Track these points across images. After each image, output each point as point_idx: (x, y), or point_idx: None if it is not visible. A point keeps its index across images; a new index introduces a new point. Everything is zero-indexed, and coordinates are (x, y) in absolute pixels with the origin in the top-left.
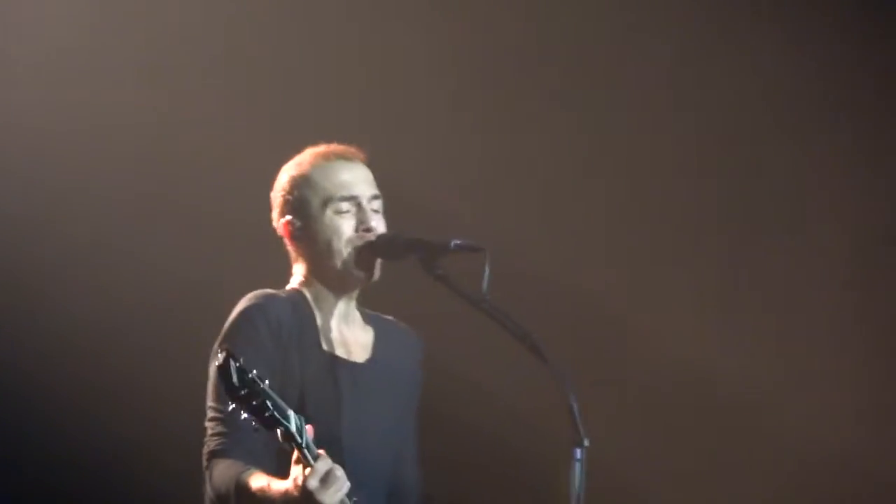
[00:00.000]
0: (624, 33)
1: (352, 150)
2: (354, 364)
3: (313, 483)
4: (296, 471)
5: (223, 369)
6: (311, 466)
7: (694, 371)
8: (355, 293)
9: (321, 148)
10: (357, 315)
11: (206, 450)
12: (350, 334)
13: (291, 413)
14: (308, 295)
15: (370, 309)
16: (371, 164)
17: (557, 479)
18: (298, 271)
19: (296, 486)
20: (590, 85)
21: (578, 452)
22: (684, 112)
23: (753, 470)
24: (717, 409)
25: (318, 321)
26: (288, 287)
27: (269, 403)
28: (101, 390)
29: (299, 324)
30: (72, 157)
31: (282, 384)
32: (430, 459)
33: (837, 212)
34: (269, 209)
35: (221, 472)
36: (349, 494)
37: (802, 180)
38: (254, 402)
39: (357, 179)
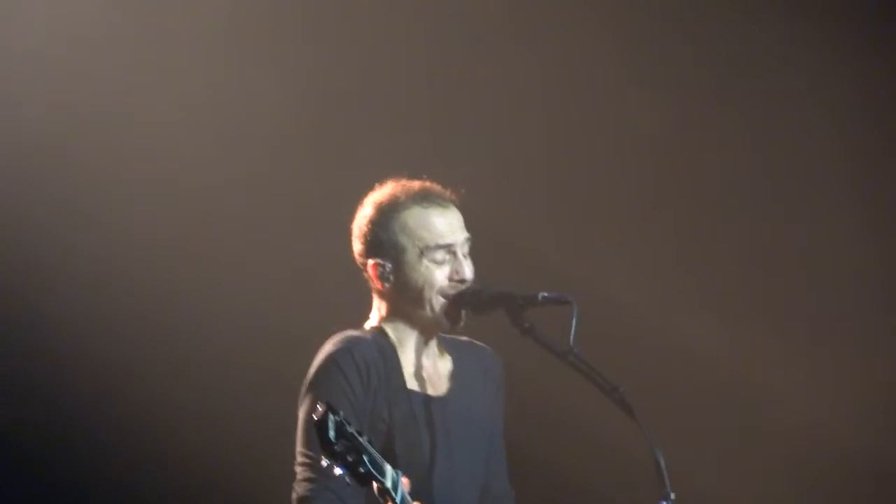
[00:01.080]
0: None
1: (446, 193)
2: (438, 398)
3: None
4: None
5: (321, 423)
6: None
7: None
8: (437, 334)
9: (415, 187)
10: (435, 346)
11: (295, 496)
12: (431, 368)
13: (388, 468)
14: (390, 333)
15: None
16: (460, 205)
17: None
18: (380, 308)
19: None
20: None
21: None
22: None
23: None
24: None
25: (402, 360)
26: (368, 325)
27: (365, 458)
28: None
29: (385, 366)
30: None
31: (370, 427)
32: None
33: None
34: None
35: None
36: None
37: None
38: (349, 458)
39: (453, 227)
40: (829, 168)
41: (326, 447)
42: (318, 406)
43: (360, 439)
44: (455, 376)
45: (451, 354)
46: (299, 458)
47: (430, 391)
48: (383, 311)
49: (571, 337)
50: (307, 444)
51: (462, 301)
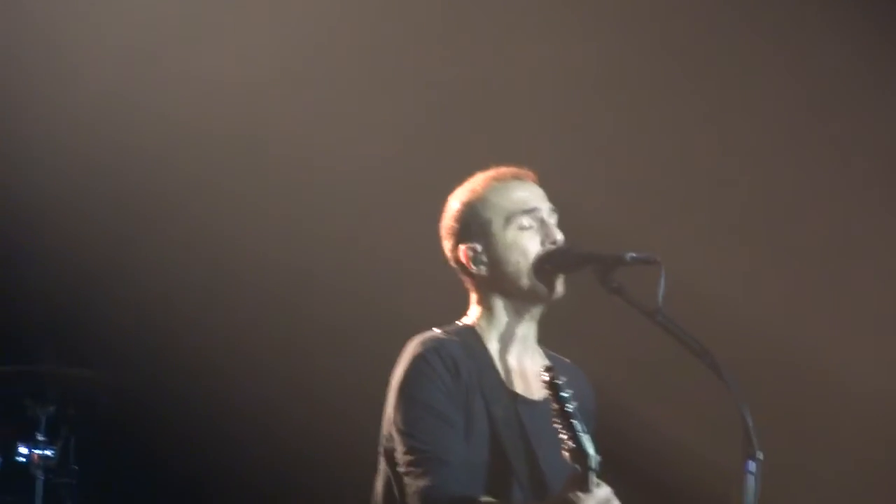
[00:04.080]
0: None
1: (523, 170)
2: (535, 402)
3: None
4: (571, 489)
5: (553, 383)
6: (591, 492)
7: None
8: (537, 318)
9: (491, 171)
10: (537, 347)
11: (416, 489)
12: (529, 367)
13: (588, 437)
14: (482, 330)
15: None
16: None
17: (730, 492)
18: (476, 302)
19: (571, 499)
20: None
21: (752, 465)
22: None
23: None
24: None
25: (495, 357)
26: (460, 322)
27: (577, 425)
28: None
29: (476, 363)
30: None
31: (469, 424)
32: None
33: None
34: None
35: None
36: None
37: None
38: (570, 420)
39: (535, 195)
40: None
41: (563, 411)
42: (544, 373)
43: (574, 405)
44: None
45: (549, 361)
46: (411, 456)
47: (526, 392)
48: (479, 305)
49: (660, 297)
50: (416, 438)
51: (551, 260)
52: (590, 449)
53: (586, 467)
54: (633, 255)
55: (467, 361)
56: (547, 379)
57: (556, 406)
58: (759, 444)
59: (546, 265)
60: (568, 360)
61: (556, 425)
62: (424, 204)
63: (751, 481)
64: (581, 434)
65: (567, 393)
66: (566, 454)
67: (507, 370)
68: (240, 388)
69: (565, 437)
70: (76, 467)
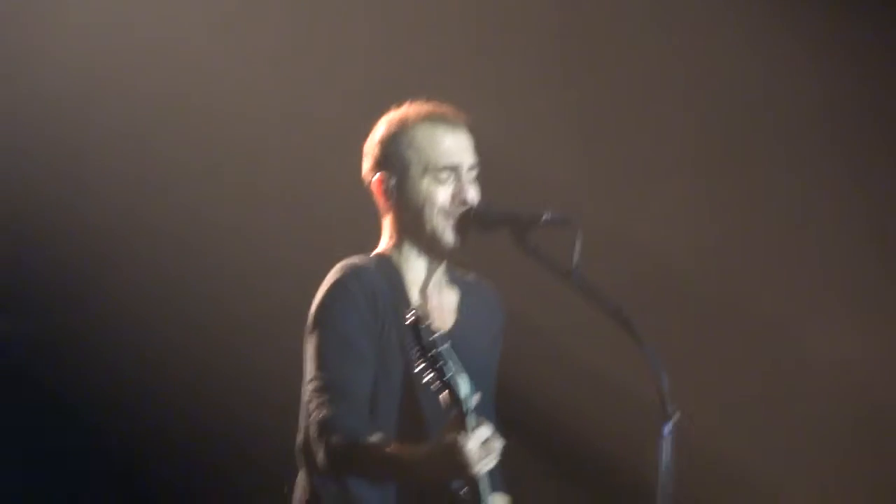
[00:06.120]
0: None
1: (457, 113)
2: (441, 333)
3: (472, 445)
4: (449, 433)
5: (415, 327)
6: (469, 433)
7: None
8: (445, 257)
9: (426, 107)
10: (444, 277)
11: (315, 419)
12: (436, 299)
13: (463, 378)
14: (396, 258)
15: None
16: (471, 128)
17: (646, 454)
18: (388, 231)
19: (450, 443)
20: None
21: (667, 428)
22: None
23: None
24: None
25: (408, 288)
26: (377, 250)
27: (447, 367)
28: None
29: (392, 293)
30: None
31: (383, 354)
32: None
33: None
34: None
35: (341, 440)
36: None
37: None
38: (438, 364)
39: (460, 147)
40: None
41: (423, 352)
42: (406, 314)
43: (442, 346)
44: (460, 310)
45: (458, 289)
46: (315, 384)
47: (436, 323)
48: (390, 235)
49: (575, 257)
50: (323, 367)
51: (468, 220)
52: (462, 390)
53: (461, 410)
54: (550, 215)
55: (385, 291)
56: (409, 320)
57: (418, 349)
58: (673, 406)
59: (461, 223)
60: (473, 277)
61: (421, 368)
62: None
63: (666, 444)
64: (451, 376)
65: (432, 333)
66: (441, 398)
67: (419, 302)
68: (156, 338)
69: (433, 380)
70: None
